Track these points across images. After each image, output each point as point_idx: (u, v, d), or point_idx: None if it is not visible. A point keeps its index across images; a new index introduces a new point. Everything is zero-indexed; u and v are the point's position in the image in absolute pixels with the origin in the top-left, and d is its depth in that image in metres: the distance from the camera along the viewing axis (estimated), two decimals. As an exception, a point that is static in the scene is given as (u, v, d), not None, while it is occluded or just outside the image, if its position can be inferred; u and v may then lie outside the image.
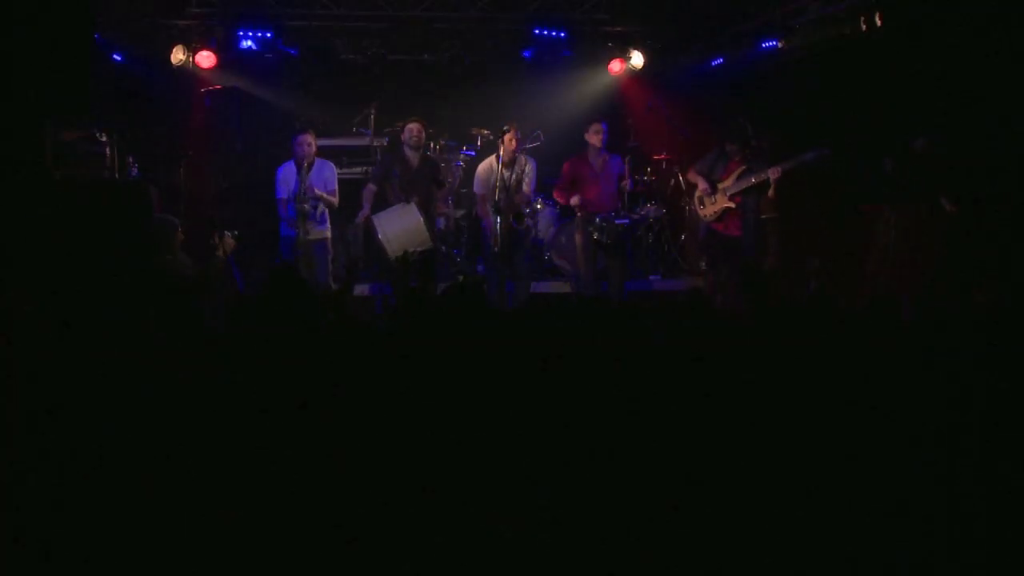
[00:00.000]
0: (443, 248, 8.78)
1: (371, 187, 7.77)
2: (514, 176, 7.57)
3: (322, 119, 9.26)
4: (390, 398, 2.95)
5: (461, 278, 8.28)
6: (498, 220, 7.52)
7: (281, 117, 9.25)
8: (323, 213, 7.61)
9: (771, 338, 3.68)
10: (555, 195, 8.07)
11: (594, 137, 7.81)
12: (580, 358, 3.29)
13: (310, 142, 7.49)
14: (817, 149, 7.34)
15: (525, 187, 7.68)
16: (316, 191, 7.47)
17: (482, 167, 7.80)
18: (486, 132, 9.46)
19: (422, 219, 7.42)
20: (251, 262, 7.55)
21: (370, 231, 7.60)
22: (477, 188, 7.79)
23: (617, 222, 7.72)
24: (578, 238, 7.96)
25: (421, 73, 9.93)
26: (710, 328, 3.84)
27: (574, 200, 7.79)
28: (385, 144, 9.18)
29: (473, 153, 9.45)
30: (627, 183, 7.77)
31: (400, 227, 7.38)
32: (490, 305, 7.07)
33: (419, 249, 7.33)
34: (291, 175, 7.56)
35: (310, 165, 7.50)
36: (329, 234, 7.71)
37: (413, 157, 7.81)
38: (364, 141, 9.33)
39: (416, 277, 6.82)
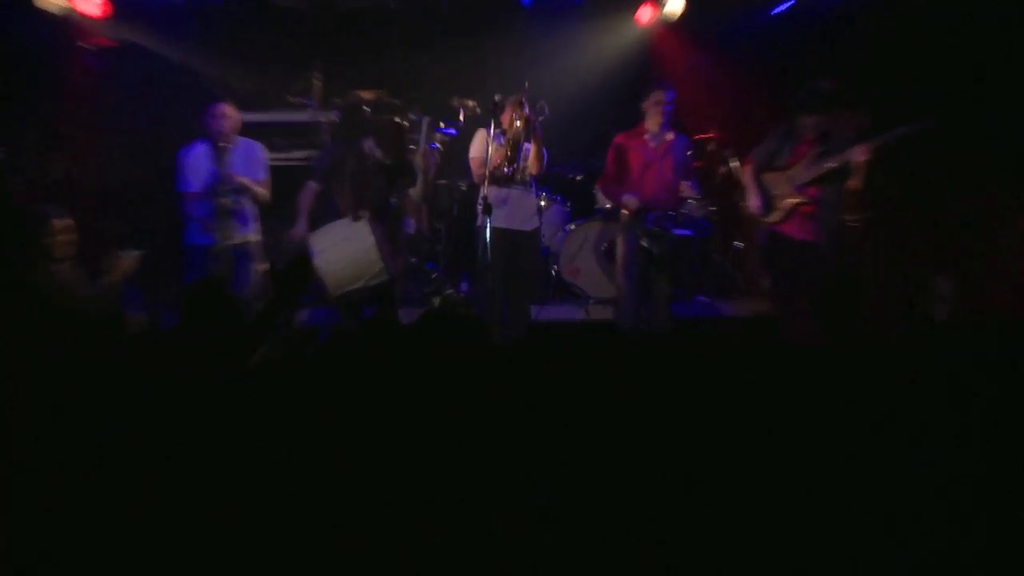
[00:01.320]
0: (413, 261, 8.81)
1: (312, 186, 7.62)
2: (518, 148, 7.52)
3: (249, 86, 9.27)
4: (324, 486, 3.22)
5: (438, 301, 8.23)
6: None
7: (194, 84, 9.29)
8: (248, 209, 7.50)
9: (884, 397, 3.77)
10: (601, 187, 8.10)
11: (654, 109, 7.83)
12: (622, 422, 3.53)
13: (230, 115, 7.39)
14: (918, 120, 7.29)
15: (532, 161, 7.60)
16: (238, 179, 7.37)
17: (477, 137, 7.75)
18: (471, 104, 9.42)
19: (374, 242, 7.27)
20: (159, 287, 7.57)
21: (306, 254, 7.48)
22: (475, 151, 7.72)
23: (676, 233, 7.73)
24: (621, 247, 7.93)
25: (383, 25, 9.98)
26: (792, 379, 3.93)
27: (629, 201, 7.75)
28: (336, 121, 9.15)
29: (455, 132, 9.49)
30: (689, 185, 7.85)
31: (343, 256, 7.24)
32: (487, 337, 7.06)
33: (369, 284, 7.25)
34: (204, 160, 7.42)
35: (229, 145, 7.40)
36: (256, 237, 7.58)
37: (372, 144, 7.75)
38: (305, 116, 9.35)
39: (369, 307, 6.71)
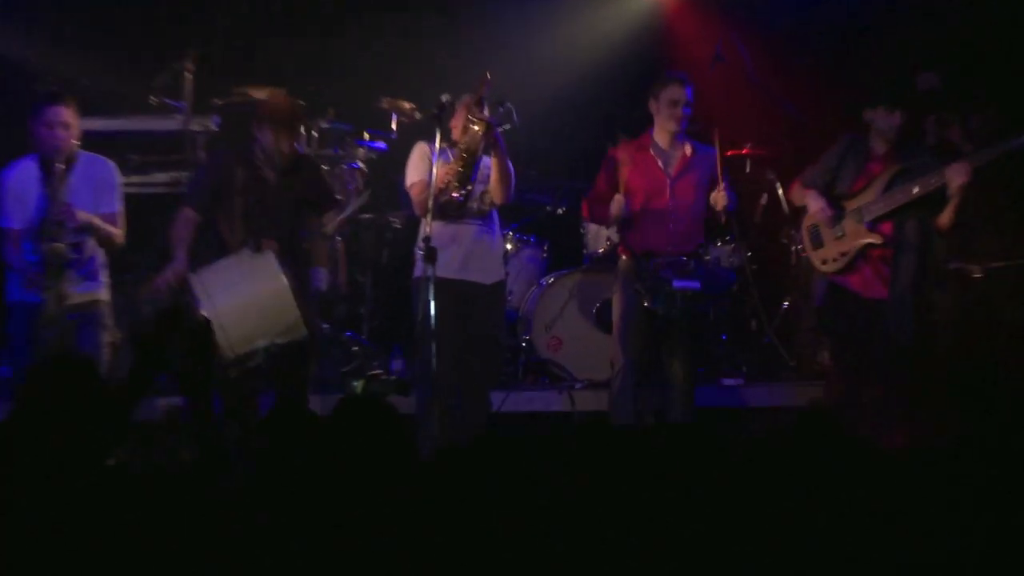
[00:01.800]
0: (326, 328, 8.80)
1: (188, 215, 7.67)
2: (474, 163, 7.60)
3: (91, 83, 9.28)
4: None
5: (360, 385, 8.24)
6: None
7: (15, 77, 9.34)
8: (92, 257, 7.58)
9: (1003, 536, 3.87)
10: (586, 207, 8.19)
11: (671, 108, 7.93)
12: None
13: (68, 122, 7.47)
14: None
15: (494, 183, 7.71)
16: (80, 214, 7.43)
17: (423, 148, 7.85)
18: (408, 107, 9.59)
19: (285, 283, 7.34)
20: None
21: (187, 301, 7.51)
22: (414, 176, 7.81)
23: (682, 286, 7.78)
24: (616, 307, 8.04)
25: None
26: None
27: (615, 203, 7.86)
28: (215, 130, 9.26)
29: (384, 146, 9.60)
30: (722, 196, 7.85)
31: (242, 301, 7.28)
32: (421, 444, 7.08)
33: (278, 342, 7.28)
34: (31, 184, 7.50)
35: (68, 165, 7.49)
36: (105, 295, 7.68)
37: (270, 139, 7.79)
38: (172, 124, 9.40)
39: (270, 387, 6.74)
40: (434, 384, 7.43)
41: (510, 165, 7.73)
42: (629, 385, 7.90)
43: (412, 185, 7.78)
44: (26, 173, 7.48)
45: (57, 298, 7.38)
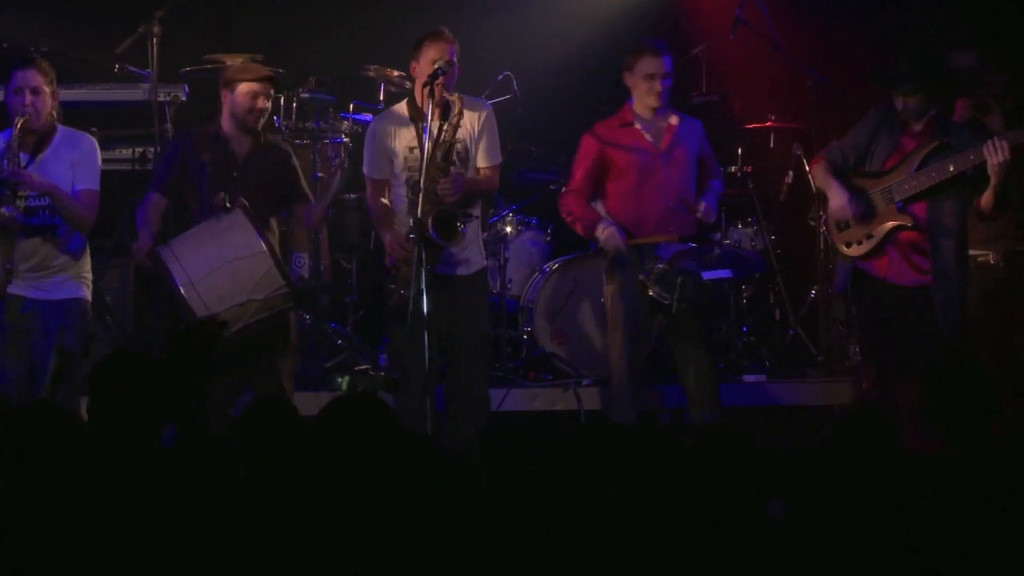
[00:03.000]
0: (307, 319, 8.89)
1: (155, 199, 7.86)
2: (448, 141, 7.55)
3: (49, 48, 9.06)
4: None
5: (345, 381, 8.24)
6: (415, 244, 7.50)
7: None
8: (74, 238, 7.65)
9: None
10: (564, 204, 8.18)
11: (648, 81, 7.97)
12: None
13: (37, 87, 7.57)
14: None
15: (481, 157, 7.71)
16: (36, 177, 7.45)
17: (376, 128, 7.91)
18: (397, 75, 9.64)
19: (254, 231, 7.48)
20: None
21: (160, 280, 7.66)
22: (368, 168, 7.88)
23: (713, 277, 7.93)
24: (610, 294, 8.09)
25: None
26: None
27: (606, 240, 7.89)
28: (182, 99, 9.33)
29: (371, 118, 9.44)
30: (705, 207, 7.91)
31: (214, 257, 7.43)
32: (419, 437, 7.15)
33: (256, 298, 7.37)
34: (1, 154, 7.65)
35: (45, 139, 7.61)
36: (85, 289, 7.75)
37: (240, 139, 7.89)
38: (136, 94, 9.44)
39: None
40: (422, 377, 7.42)
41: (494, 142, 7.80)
42: (629, 383, 7.97)
43: (366, 174, 7.90)
44: None
45: (4, 269, 7.44)
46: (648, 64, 7.90)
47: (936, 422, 7.52)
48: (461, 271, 7.66)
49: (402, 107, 7.81)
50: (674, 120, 8.03)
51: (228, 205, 7.51)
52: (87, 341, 7.70)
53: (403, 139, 7.66)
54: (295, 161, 8.06)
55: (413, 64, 7.67)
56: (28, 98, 7.47)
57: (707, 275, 7.86)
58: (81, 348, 7.64)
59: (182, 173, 7.79)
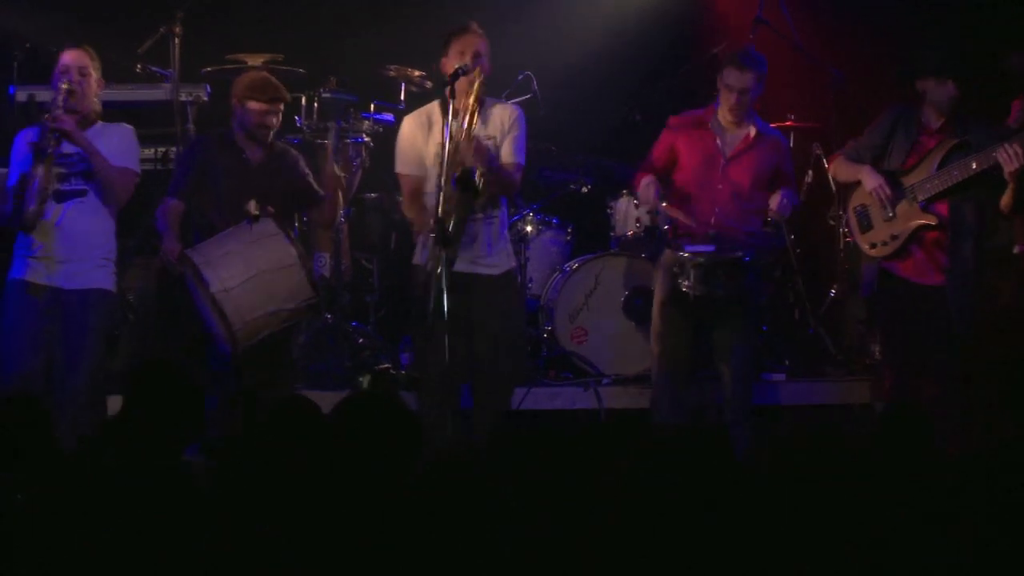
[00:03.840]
0: (328, 319, 8.89)
1: (173, 204, 7.91)
2: (476, 133, 7.53)
3: (63, 47, 9.26)
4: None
5: (366, 380, 8.26)
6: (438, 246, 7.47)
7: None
8: (102, 214, 7.68)
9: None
10: (638, 181, 8.10)
11: (727, 92, 7.92)
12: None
13: (82, 66, 7.61)
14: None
15: (505, 153, 7.67)
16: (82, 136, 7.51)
17: (408, 127, 7.88)
18: (418, 75, 9.64)
19: (286, 241, 7.53)
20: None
21: (186, 283, 7.72)
22: (401, 166, 7.84)
23: (693, 250, 7.78)
24: (659, 294, 8.08)
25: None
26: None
27: (642, 185, 7.91)
28: (204, 100, 9.36)
29: (392, 118, 9.61)
30: (779, 200, 7.87)
31: (248, 265, 7.48)
32: (433, 441, 7.12)
33: (287, 308, 7.42)
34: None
35: (83, 124, 7.61)
36: (110, 277, 7.75)
37: (252, 145, 7.95)
38: (158, 94, 9.48)
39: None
40: (446, 375, 7.44)
41: (521, 151, 7.77)
42: (665, 379, 7.97)
43: (399, 172, 7.85)
44: (32, 135, 7.63)
45: (45, 268, 7.50)
46: (729, 75, 7.85)
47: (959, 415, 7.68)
48: (487, 272, 7.62)
49: (434, 106, 7.77)
50: (752, 132, 7.96)
51: (257, 214, 7.53)
52: (111, 336, 7.75)
53: (433, 137, 7.61)
54: (304, 164, 8.08)
55: (443, 60, 7.61)
56: (76, 76, 7.51)
57: (689, 248, 7.76)
58: (104, 343, 7.67)
59: (200, 178, 7.84)
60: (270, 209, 7.59)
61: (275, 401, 5.68)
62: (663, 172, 8.00)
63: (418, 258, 7.64)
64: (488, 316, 7.63)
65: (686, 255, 7.74)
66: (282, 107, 7.89)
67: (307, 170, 8.06)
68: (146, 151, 9.10)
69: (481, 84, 7.43)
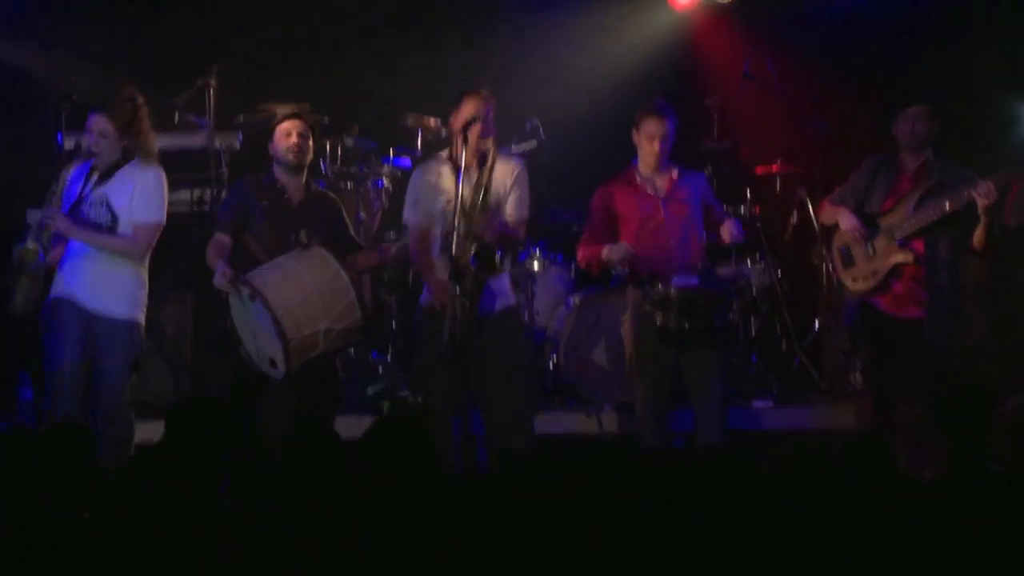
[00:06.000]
0: (351, 350, 8.89)
1: (221, 239, 7.94)
2: (485, 192, 7.68)
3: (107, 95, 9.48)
4: None
5: (387, 406, 8.47)
6: (453, 283, 7.56)
7: (33, 95, 9.62)
8: (123, 275, 7.77)
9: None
10: (580, 254, 8.28)
11: (650, 142, 8.03)
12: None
13: (104, 129, 7.71)
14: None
15: (510, 210, 7.78)
16: (61, 222, 7.60)
17: (419, 177, 7.97)
18: (434, 123, 9.74)
19: (337, 264, 7.59)
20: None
21: (228, 315, 7.78)
22: (409, 215, 7.94)
23: (680, 283, 7.85)
24: (627, 326, 8.14)
25: (308, 14, 10.35)
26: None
27: (610, 253, 7.98)
28: (236, 147, 9.49)
29: (409, 163, 9.73)
30: (730, 228, 7.99)
31: (304, 283, 7.52)
32: (448, 465, 7.26)
33: (336, 328, 7.50)
34: (75, 185, 7.81)
35: (112, 171, 7.76)
36: (140, 312, 7.85)
37: (292, 183, 8.02)
38: (195, 141, 9.60)
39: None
40: (454, 403, 7.60)
41: (525, 198, 7.82)
42: (651, 415, 7.99)
43: (407, 221, 7.91)
44: (79, 173, 7.79)
45: (24, 298, 7.60)
46: (650, 126, 7.93)
47: (935, 442, 7.75)
48: (495, 309, 7.65)
49: (442, 157, 7.83)
50: (675, 173, 8.06)
51: (307, 242, 7.63)
52: (135, 365, 7.78)
53: (441, 188, 7.68)
54: (343, 210, 8.14)
55: (452, 117, 7.69)
56: (96, 138, 7.64)
57: (676, 280, 7.80)
58: (128, 372, 7.70)
59: (244, 216, 7.89)
60: (318, 239, 7.64)
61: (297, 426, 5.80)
62: (604, 238, 8.04)
63: (424, 298, 7.74)
64: (494, 351, 7.62)
65: (672, 290, 7.77)
66: (306, 127, 7.90)
67: (346, 217, 8.12)
68: (182, 194, 9.34)
69: (492, 145, 7.61)
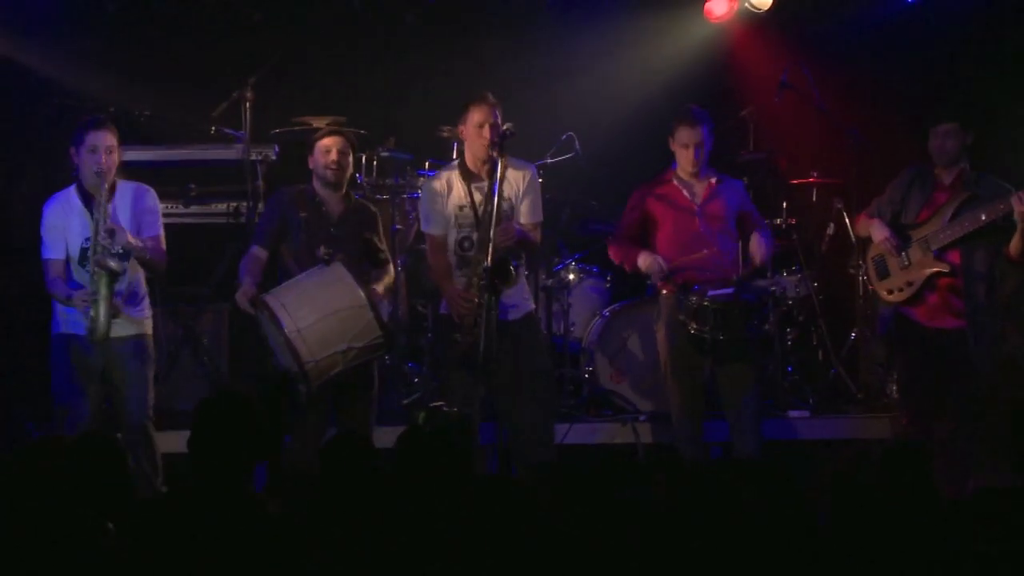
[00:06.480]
0: (387, 359, 8.94)
1: (256, 252, 7.94)
2: (497, 199, 7.65)
3: (152, 113, 9.54)
4: None
5: (422, 416, 8.33)
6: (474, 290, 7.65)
7: (59, 103, 9.53)
8: (137, 282, 7.79)
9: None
10: (611, 252, 8.35)
11: (684, 149, 8.07)
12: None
13: (111, 146, 7.66)
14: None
15: (524, 215, 7.85)
16: (128, 237, 7.56)
17: (431, 187, 8.02)
18: None
19: (355, 284, 7.57)
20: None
21: (255, 324, 7.79)
22: (424, 226, 8.04)
23: (715, 295, 7.85)
24: (661, 335, 8.16)
25: (344, 26, 10.34)
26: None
27: (646, 266, 8.00)
28: (273, 159, 9.49)
29: None
30: (759, 245, 7.98)
31: (319, 305, 7.50)
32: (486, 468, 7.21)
33: (356, 346, 7.48)
34: (72, 214, 7.71)
35: (111, 191, 7.67)
36: (148, 327, 7.87)
37: (332, 197, 8.03)
38: (231, 154, 9.61)
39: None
40: (472, 413, 7.57)
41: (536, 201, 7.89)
42: (687, 425, 8.02)
43: (425, 230, 8.03)
44: (66, 203, 7.69)
45: (102, 325, 7.46)
46: (683, 135, 8.00)
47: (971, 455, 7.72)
48: (511, 316, 7.72)
49: (452, 168, 7.92)
50: (713, 180, 8.11)
51: (327, 258, 7.60)
52: (152, 373, 7.82)
53: (453, 198, 7.78)
54: (379, 222, 8.16)
55: (460, 127, 7.79)
56: (103, 157, 7.52)
57: (712, 293, 7.83)
58: (148, 383, 7.72)
59: (282, 228, 7.91)
60: (341, 255, 7.62)
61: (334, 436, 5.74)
62: (636, 239, 8.12)
63: (443, 308, 7.82)
64: (516, 358, 7.70)
65: (706, 300, 7.79)
66: (346, 143, 7.93)
67: (380, 232, 8.14)
68: (219, 206, 9.42)
69: (502, 156, 7.56)
